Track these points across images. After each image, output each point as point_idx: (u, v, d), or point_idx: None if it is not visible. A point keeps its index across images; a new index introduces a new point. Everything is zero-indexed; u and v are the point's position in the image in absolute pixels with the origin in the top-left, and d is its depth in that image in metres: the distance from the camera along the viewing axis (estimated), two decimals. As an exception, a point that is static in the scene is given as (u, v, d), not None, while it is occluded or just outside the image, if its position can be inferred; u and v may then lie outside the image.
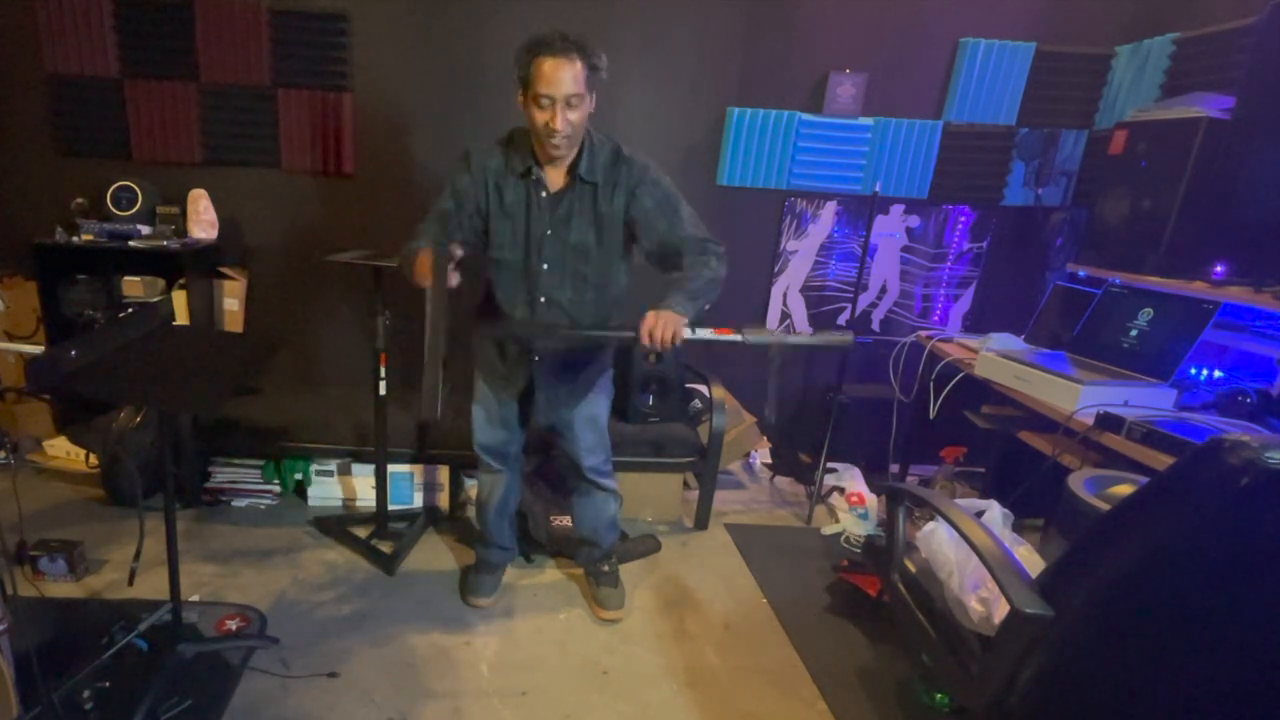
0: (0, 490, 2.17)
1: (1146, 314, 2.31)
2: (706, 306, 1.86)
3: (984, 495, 2.37)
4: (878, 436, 3.11)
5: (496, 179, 1.88)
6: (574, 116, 1.73)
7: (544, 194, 1.88)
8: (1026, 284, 3.27)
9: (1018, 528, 1.89)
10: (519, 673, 2.02)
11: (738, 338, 1.95)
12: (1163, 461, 1.78)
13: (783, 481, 3.38)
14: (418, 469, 2.81)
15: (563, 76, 1.68)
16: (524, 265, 1.93)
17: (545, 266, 1.92)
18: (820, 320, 3.45)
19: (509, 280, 1.97)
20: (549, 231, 1.90)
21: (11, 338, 3.00)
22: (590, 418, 2.13)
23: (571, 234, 1.90)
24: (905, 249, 3.38)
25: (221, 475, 2.82)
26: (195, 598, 2.22)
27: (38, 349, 2.75)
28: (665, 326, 1.72)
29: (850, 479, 3.09)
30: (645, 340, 1.73)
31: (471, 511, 2.62)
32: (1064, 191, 3.31)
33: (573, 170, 1.86)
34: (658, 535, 2.78)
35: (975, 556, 1.38)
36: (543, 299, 1.95)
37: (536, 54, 1.69)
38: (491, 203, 1.90)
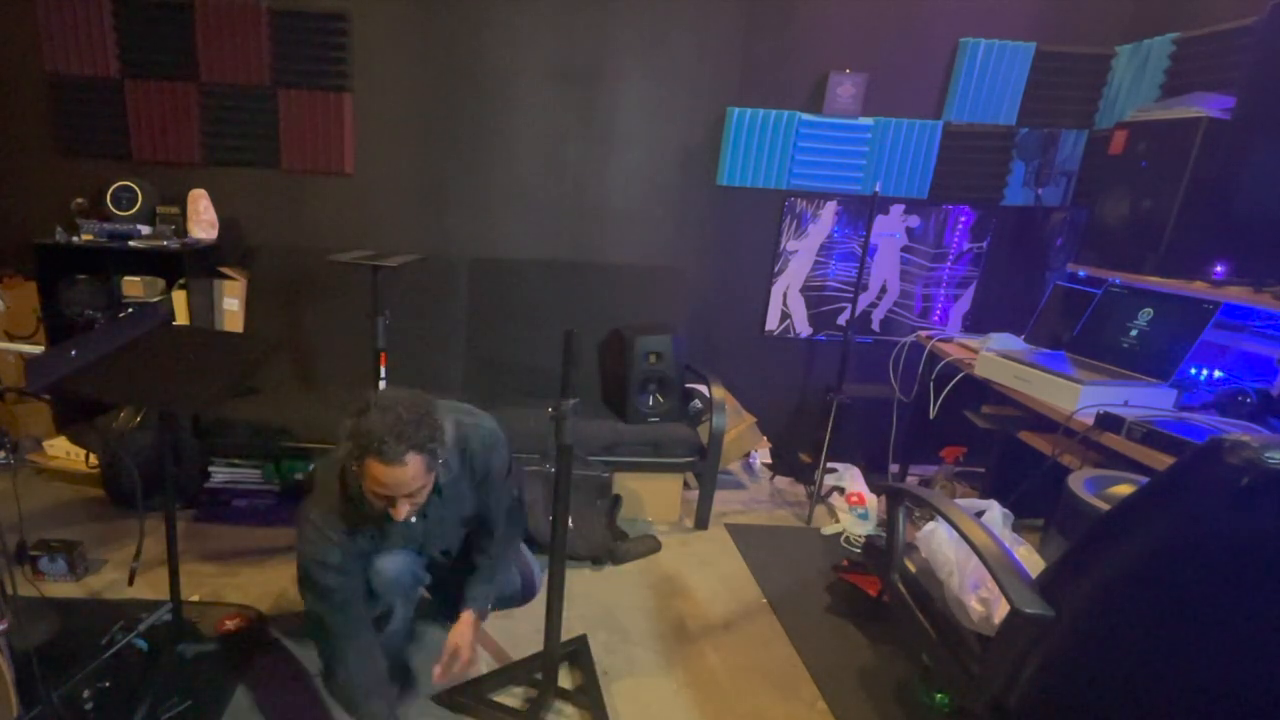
0: (0, 490, 2.17)
1: (1146, 314, 2.31)
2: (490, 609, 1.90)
3: (984, 495, 2.37)
4: (878, 436, 3.11)
5: (355, 541, 1.66)
6: (417, 499, 1.55)
7: (412, 519, 1.65)
8: (1026, 284, 3.27)
9: (1018, 528, 1.89)
10: (519, 673, 2.01)
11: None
12: (1163, 461, 1.78)
13: (783, 481, 3.38)
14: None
15: (398, 480, 1.46)
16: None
17: (441, 552, 1.92)
18: (820, 320, 3.46)
19: None
20: (427, 538, 1.82)
21: (11, 338, 3.00)
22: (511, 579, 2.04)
23: (448, 531, 1.86)
24: (905, 249, 3.39)
25: (221, 475, 2.82)
26: (195, 598, 2.21)
27: (38, 349, 2.74)
28: (464, 658, 1.75)
29: (850, 479, 3.09)
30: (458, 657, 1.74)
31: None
32: (1064, 191, 3.31)
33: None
34: (658, 535, 2.78)
35: (975, 556, 1.38)
36: (443, 555, 1.94)
37: (366, 454, 1.44)
38: (366, 549, 1.71)
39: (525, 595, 2.07)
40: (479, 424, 1.79)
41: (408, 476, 1.47)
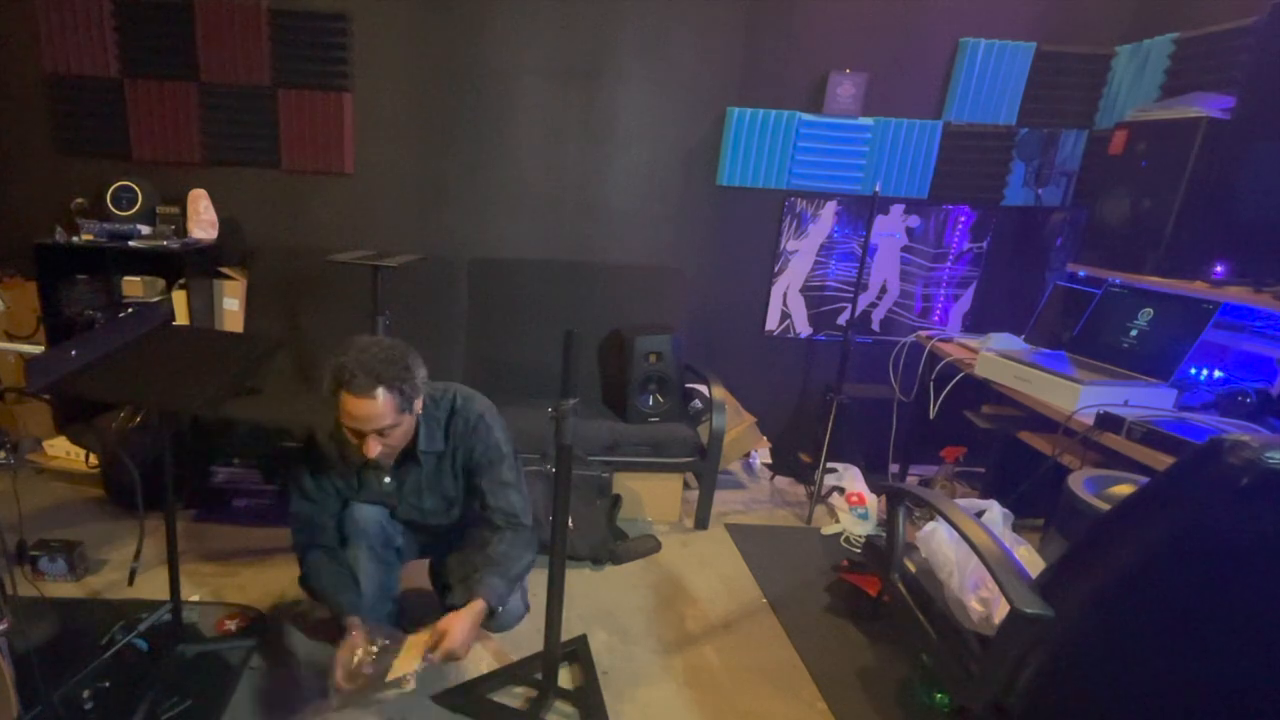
0: (0, 490, 2.17)
1: (1146, 314, 2.31)
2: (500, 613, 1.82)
3: (984, 495, 2.37)
4: (878, 436, 3.11)
5: (338, 470, 1.83)
6: (391, 441, 1.67)
7: (387, 479, 1.84)
8: (1026, 284, 3.27)
9: (1018, 528, 1.89)
10: (519, 673, 2.01)
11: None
12: (1163, 461, 1.78)
13: (783, 481, 3.38)
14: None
15: (367, 414, 1.58)
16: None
17: (401, 528, 1.95)
18: (820, 320, 3.46)
19: None
20: (401, 505, 1.89)
21: (11, 338, 2.99)
22: None
23: (424, 502, 1.89)
24: (905, 249, 3.39)
25: (221, 475, 2.82)
26: (195, 598, 2.22)
27: (38, 349, 2.74)
28: (463, 643, 1.66)
29: (850, 479, 3.09)
30: (444, 641, 1.65)
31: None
32: (1064, 191, 3.31)
33: (411, 446, 1.78)
34: (658, 535, 2.78)
35: (975, 556, 1.38)
36: (400, 539, 1.97)
37: (337, 386, 1.58)
38: (337, 495, 1.87)
39: (514, 618, 1.98)
40: (470, 404, 1.85)
41: (375, 410, 1.57)
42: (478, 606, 1.71)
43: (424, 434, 1.78)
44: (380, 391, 1.57)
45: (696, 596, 2.44)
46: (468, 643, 1.68)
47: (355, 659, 1.68)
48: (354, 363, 1.56)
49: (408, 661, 1.65)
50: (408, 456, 1.80)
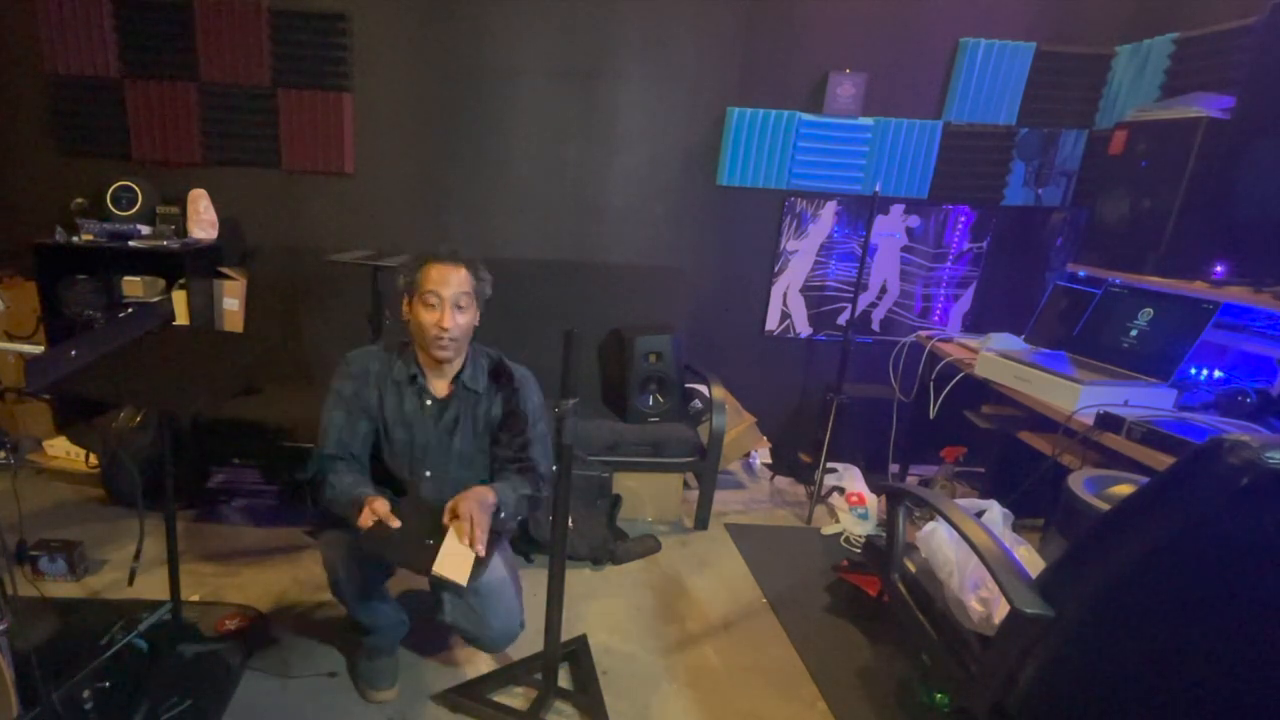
0: (0, 490, 2.17)
1: (1146, 314, 2.31)
2: (517, 518, 1.86)
3: (984, 495, 2.37)
4: (878, 436, 3.11)
5: (379, 383, 1.84)
6: (462, 319, 1.76)
7: (429, 401, 1.84)
8: (1026, 284, 3.27)
9: (1018, 528, 1.89)
10: (519, 673, 2.01)
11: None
12: (1163, 461, 1.78)
13: (783, 481, 3.38)
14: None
15: (450, 278, 1.73)
16: (406, 471, 1.87)
17: (428, 474, 1.87)
18: (820, 320, 3.46)
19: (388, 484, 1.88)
20: (433, 440, 1.85)
21: (11, 338, 3.00)
22: (500, 580, 1.85)
23: (455, 441, 1.86)
24: (905, 249, 3.39)
25: (221, 475, 2.82)
26: (195, 598, 2.22)
27: (38, 349, 2.74)
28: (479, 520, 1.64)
29: (850, 479, 3.09)
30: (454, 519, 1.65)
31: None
32: (1064, 191, 3.31)
33: (457, 379, 1.85)
34: (658, 535, 2.78)
35: (975, 556, 1.38)
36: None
37: (424, 262, 1.75)
38: (375, 407, 1.84)
39: (509, 634, 1.90)
40: (517, 365, 1.95)
41: (460, 276, 1.74)
42: (485, 491, 1.71)
43: (469, 369, 1.86)
44: (463, 266, 1.75)
45: (696, 596, 2.44)
46: (481, 518, 1.64)
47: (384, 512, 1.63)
48: (439, 248, 1.76)
49: (455, 566, 1.58)
50: (451, 389, 1.85)
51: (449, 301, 1.72)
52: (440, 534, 1.65)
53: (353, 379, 1.83)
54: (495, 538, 1.94)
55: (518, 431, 1.88)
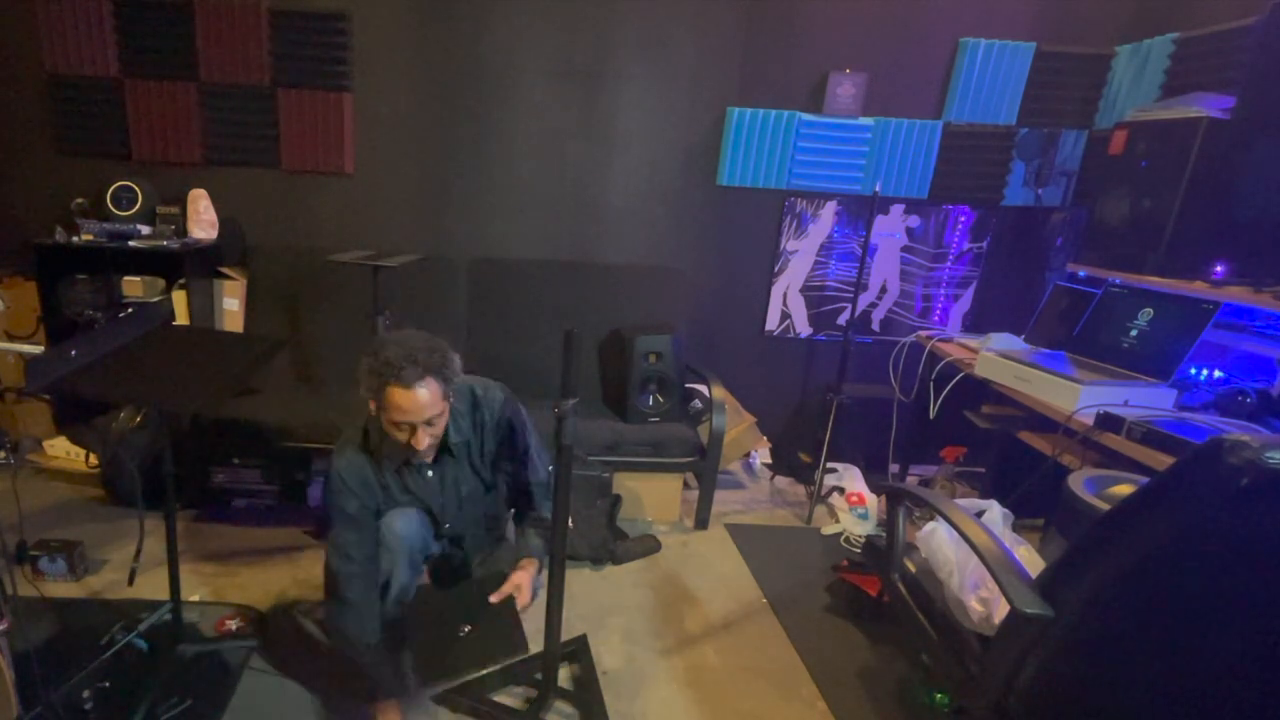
0: (0, 490, 2.17)
1: (1146, 314, 2.31)
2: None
3: (984, 495, 2.37)
4: (878, 436, 3.11)
5: (376, 483, 1.81)
6: (435, 430, 1.69)
7: (429, 473, 1.85)
8: (1026, 284, 3.27)
9: (1018, 528, 1.89)
10: (519, 673, 2.01)
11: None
12: (1163, 461, 1.78)
13: (783, 481, 3.38)
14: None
15: (417, 403, 1.60)
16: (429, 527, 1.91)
17: (447, 526, 1.92)
18: (820, 320, 3.46)
19: None
20: (444, 500, 1.89)
21: (11, 338, 2.99)
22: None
23: (461, 488, 1.90)
24: (905, 249, 3.39)
25: (221, 475, 2.81)
26: (195, 598, 2.22)
27: (38, 349, 2.74)
28: (525, 598, 1.78)
29: (850, 479, 3.09)
30: (518, 595, 1.77)
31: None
32: (1064, 191, 3.31)
33: (444, 439, 1.80)
34: (658, 535, 2.78)
35: (975, 556, 1.38)
36: (448, 541, 1.97)
37: (385, 383, 1.59)
38: (384, 503, 1.84)
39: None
40: (490, 393, 1.88)
41: (426, 400, 1.60)
42: (531, 564, 1.83)
43: (451, 426, 1.79)
44: (428, 380, 1.60)
45: (696, 596, 2.44)
46: (534, 593, 1.78)
47: None
48: (398, 356, 1.57)
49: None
50: (441, 450, 1.84)
51: (419, 425, 1.64)
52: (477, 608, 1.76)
53: (355, 495, 1.78)
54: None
55: (528, 457, 1.92)
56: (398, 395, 1.59)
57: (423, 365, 1.58)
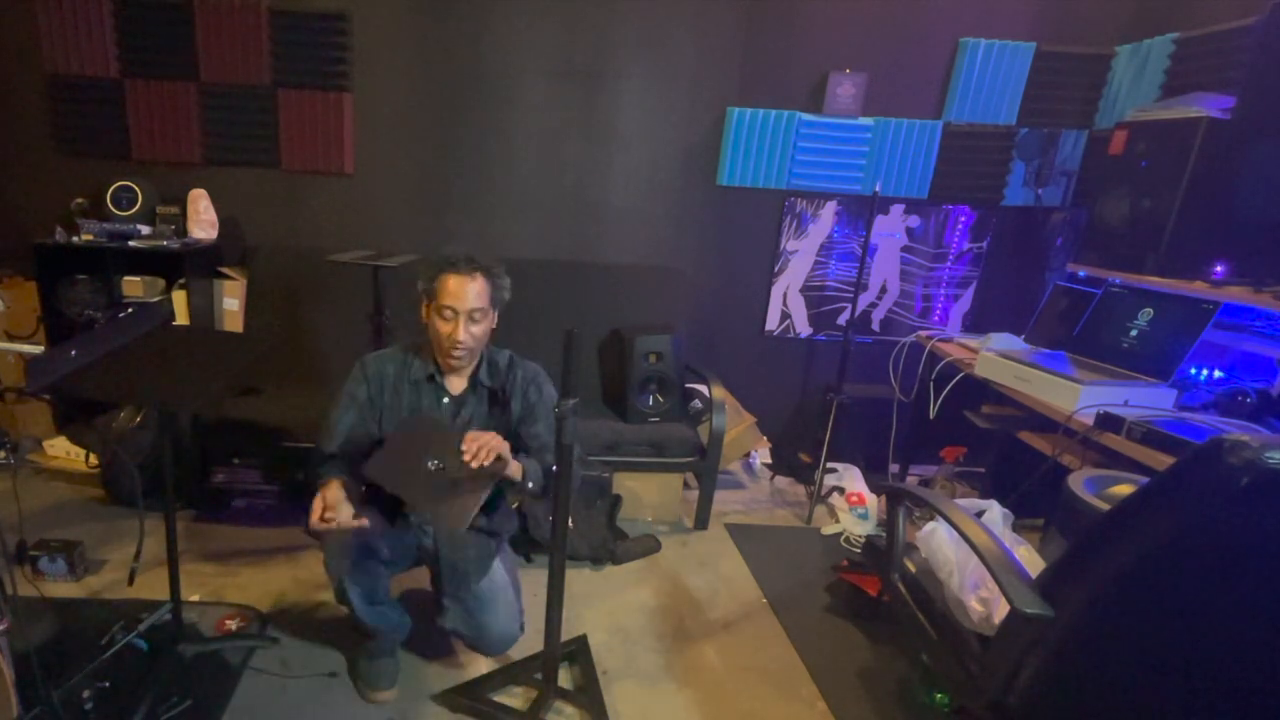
0: (0, 490, 2.17)
1: (1146, 314, 2.31)
2: (544, 493, 1.83)
3: (984, 495, 2.37)
4: (878, 436, 3.11)
5: (395, 384, 1.88)
6: (476, 330, 1.78)
7: (445, 399, 1.88)
8: (1026, 284, 3.27)
9: (1018, 528, 1.89)
10: (519, 673, 2.01)
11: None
12: (1163, 461, 1.78)
13: (783, 481, 3.38)
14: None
15: (467, 292, 1.74)
16: None
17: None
18: (820, 320, 3.46)
19: None
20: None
21: (11, 338, 3.00)
22: (501, 584, 1.92)
23: (471, 428, 1.84)
24: (905, 249, 3.39)
25: (221, 475, 2.82)
26: (195, 598, 2.21)
27: (38, 349, 2.75)
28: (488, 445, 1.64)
29: (850, 479, 3.09)
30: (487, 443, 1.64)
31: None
32: (1064, 191, 3.31)
33: (473, 376, 1.89)
34: (658, 535, 2.78)
35: (975, 556, 1.38)
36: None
37: (441, 271, 1.76)
38: (389, 412, 1.86)
39: (508, 638, 1.94)
40: (527, 362, 1.96)
41: (475, 290, 1.74)
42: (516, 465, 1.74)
43: (485, 368, 1.89)
44: (480, 276, 1.75)
45: (696, 596, 2.44)
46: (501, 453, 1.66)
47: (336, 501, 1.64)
48: (456, 253, 1.76)
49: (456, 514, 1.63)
50: (468, 388, 1.88)
51: (464, 315, 1.75)
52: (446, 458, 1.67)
53: (368, 382, 1.87)
54: (496, 539, 1.97)
55: (548, 424, 1.89)
56: (452, 282, 1.74)
57: (478, 263, 1.76)
